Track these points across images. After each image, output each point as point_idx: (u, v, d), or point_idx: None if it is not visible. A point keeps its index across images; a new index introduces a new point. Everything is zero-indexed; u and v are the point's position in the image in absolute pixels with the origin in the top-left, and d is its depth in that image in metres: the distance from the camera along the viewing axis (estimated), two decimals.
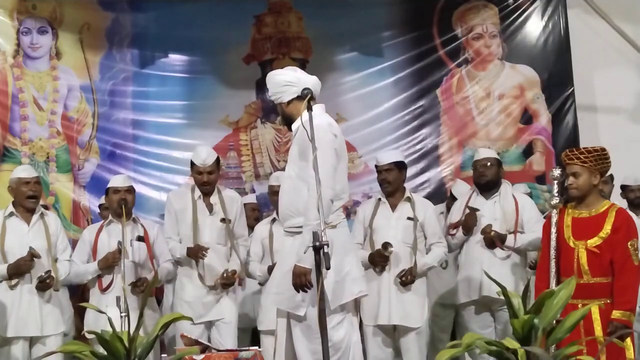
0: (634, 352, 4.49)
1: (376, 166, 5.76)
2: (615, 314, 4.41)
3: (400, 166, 5.69)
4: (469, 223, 5.75)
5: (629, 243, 4.49)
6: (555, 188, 4.76)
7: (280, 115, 4.52)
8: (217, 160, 5.76)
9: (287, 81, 4.28)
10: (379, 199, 5.71)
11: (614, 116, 8.19)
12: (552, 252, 4.59)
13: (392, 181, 5.63)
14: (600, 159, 4.59)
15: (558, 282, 4.46)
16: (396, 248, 5.49)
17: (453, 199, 6.53)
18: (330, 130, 4.20)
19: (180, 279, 5.76)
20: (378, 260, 5.47)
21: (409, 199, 5.66)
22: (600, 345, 4.14)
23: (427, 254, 5.65)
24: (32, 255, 5.29)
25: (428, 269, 5.65)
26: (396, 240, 5.52)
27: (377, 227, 5.61)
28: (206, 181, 5.65)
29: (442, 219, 6.46)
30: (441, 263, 5.96)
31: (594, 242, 4.54)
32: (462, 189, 6.65)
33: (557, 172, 4.78)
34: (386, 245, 5.43)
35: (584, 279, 4.49)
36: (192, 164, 5.70)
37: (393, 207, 5.65)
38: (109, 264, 5.48)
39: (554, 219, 4.63)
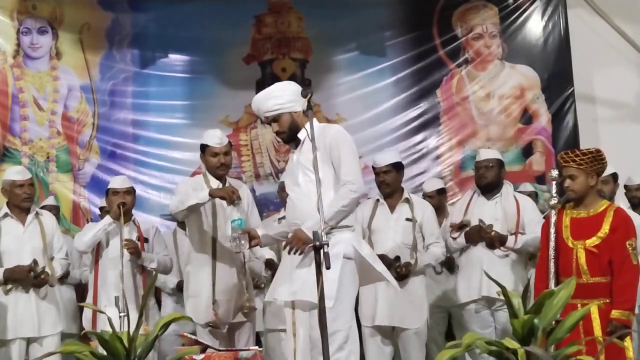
0: (632, 352, 4.49)
1: (373, 168, 5.75)
2: (615, 313, 4.41)
3: (398, 167, 5.66)
4: (474, 238, 5.72)
5: (627, 243, 4.49)
6: (554, 188, 4.76)
7: (284, 128, 4.25)
8: (230, 142, 5.35)
9: (298, 92, 4.23)
10: (377, 200, 5.70)
11: (614, 116, 8.19)
12: (551, 252, 4.58)
13: (391, 183, 5.61)
14: (595, 161, 4.57)
15: (557, 282, 4.46)
16: (396, 249, 5.48)
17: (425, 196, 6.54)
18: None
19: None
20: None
21: (407, 200, 5.65)
22: (599, 345, 4.14)
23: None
24: (31, 269, 5.26)
25: (425, 266, 5.65)
26: (395, 241, 5.52)
27: (375, 229, 5.59)
28: (223, 163, 5.17)
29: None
30: (439, 262, 5.95)
31: (592, 242, 4.53)
32: (432, 184, 6.80)
33: (555, 172, 4.78)
34: (397, 258, 5.43)
35: (583, 279, 4.49)
36: (204, 147, 5.19)
37: (392, 208, 5.64)
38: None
39: (553, 219, 4.63)
